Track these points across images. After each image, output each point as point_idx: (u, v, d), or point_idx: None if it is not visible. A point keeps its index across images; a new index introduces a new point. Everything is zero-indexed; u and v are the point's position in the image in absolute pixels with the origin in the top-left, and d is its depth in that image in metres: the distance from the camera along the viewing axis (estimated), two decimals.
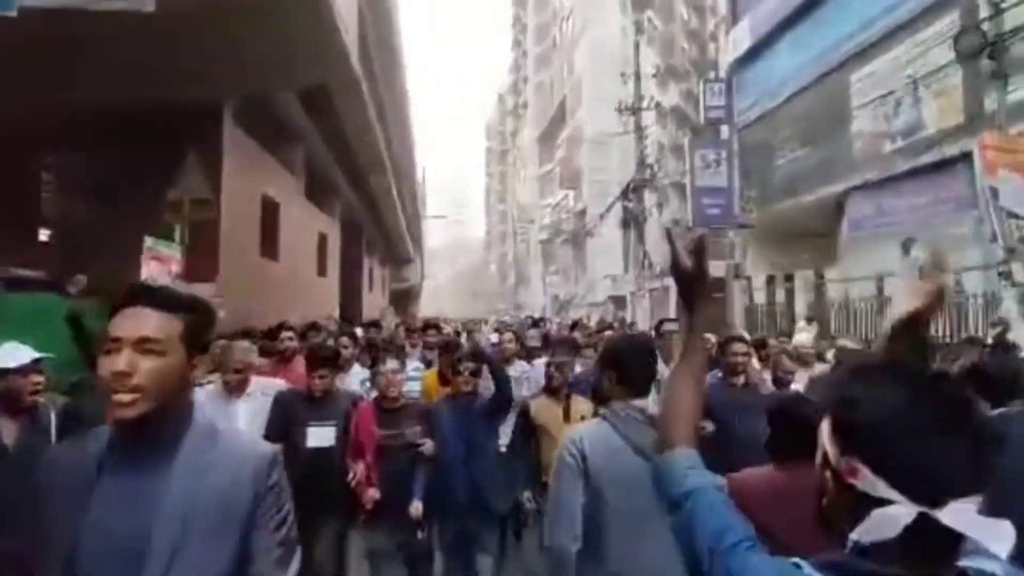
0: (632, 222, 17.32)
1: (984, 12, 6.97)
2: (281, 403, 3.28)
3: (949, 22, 9.82)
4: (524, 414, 3.52)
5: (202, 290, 9.39)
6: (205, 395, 3.30)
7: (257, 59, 7.68)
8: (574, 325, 8.22)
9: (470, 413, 3.42)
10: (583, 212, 35.31)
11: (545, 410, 3.52)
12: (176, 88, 8.03)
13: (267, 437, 3.06)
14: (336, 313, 16.27)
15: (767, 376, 4.12)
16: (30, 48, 6.58)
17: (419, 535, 3.25)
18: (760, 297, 16.26)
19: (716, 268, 18.86)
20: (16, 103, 7.48)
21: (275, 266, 12.26)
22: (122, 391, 1.11)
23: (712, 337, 5.07)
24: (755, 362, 4.62)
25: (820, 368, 4.85)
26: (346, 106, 11.44)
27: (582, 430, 2.05)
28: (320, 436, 3.24)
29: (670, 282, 20.36)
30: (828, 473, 0.81)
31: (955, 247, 9.97)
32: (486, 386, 4.04)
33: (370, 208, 21.97)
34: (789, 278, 14.87)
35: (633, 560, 1.87)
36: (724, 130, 20.36)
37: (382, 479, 3.23)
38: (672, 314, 17.88)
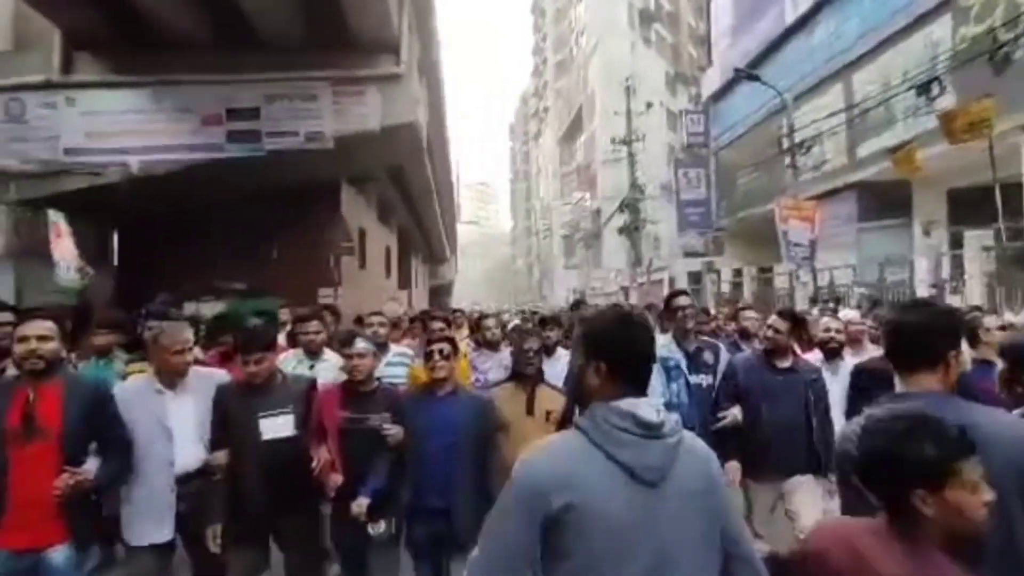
0: (627, 230, 22.05)
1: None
2: (220, 399, 2.92)
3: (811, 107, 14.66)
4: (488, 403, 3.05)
5: (325, 292, 14.61)
6: (133, 389, 2.91)
7: (369, 156, 12.78)
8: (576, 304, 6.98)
9: (453, 405, 2.94)
10: (598, 212, 39.72)
11: (508, 401, 3.07)
12: (318, 170, 13.11)
13: (214, 441, 2.87)
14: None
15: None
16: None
17: (371, 531, 2.87)
18: (726, 287, 20.87)
19: (694, 264, 23.57)
20: (213, 188, 12.58)
21: (364, 273, 17.45)
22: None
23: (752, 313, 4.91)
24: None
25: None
26: (411, 166, 16.60)
27: (541, 451, 1.30)
28: (275, 426, 2.88)
29: (657, 275, 25.04)
30: None
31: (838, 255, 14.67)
32: (486, 367, 4.03)
33: (417, 221, 27.21)
34: (738, 272, 19.50)
35: None
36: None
37: (345, 465, 2.91)
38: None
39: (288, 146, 10.79)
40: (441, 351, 2.98)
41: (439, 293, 48.05)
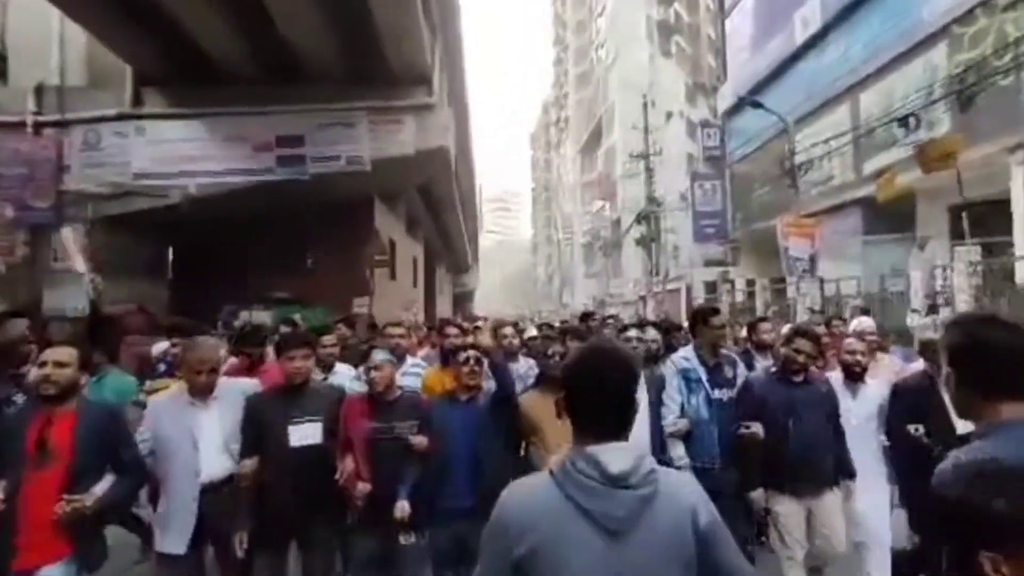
0: (644, 242, 22.89)
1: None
2: (252, 406, 2.97)
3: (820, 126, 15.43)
4: (515, 410, 3.14)
5: (360, 301, 15.73)
6: (166, 400, 3.02)
7: (401, 176, 13.89)
8: (586, 316, 6.76)
9: (475, 410, 3.05)
10: (618, 221, 40.44)
11: (536, 405, 3.11)
12: (354, 189, 14.25)
13: (244, 449, 2.89)
14: (421, 313, 22.55)
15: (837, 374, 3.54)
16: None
17: (402, 540, 2.88)
18: (740, 296, 21.57)
19: (710, 274, 24.27)
20: (259, 207, 13.78)
21: (394, 283, 18.58)
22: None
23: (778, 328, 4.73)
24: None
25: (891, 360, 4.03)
26: (438, 183, 17.73)
27: (515, 493, 1.32)
28: (304, 433, 2.92)
29: (674, 285, 25.78)
30: None
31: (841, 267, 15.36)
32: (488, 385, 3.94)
33: (442, 232, 28.40)
34: (751, 283, 20.23)
35: None
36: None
37: (373, 474, 2.91)
38: (678, 314, 23.33)
39: (330, 169, 11.92)
40: (472, 358, 3.10)
41: (462, 300, 49.24)
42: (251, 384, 3.24)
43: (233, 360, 4.13)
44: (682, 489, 1.33)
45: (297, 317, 7.66)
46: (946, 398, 2.45)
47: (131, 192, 11.77)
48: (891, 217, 15.34)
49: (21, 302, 11.00)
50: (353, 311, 14.73)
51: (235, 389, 3.09)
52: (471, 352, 3.13)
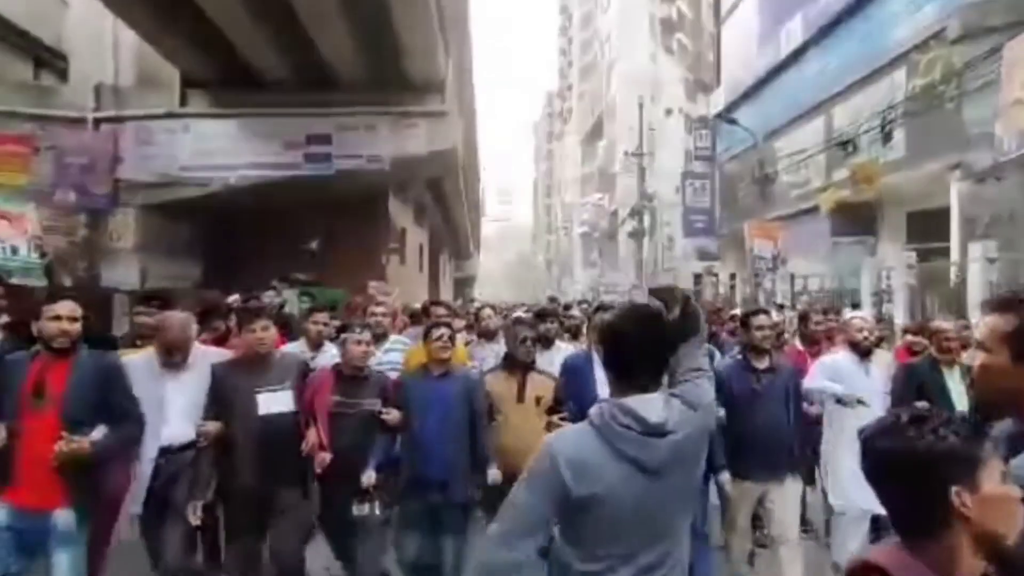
0: (636, 235, 24.46)
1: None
2: (218, 375, 2.98)
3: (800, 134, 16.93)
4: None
5: (377, 285, 17.31)
6: (139, 363, 2.99)
7: (414, 172, 15.47)
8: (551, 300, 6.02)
9: (448, 385, 3.11)
10: (615, 213, 41.86)
11: (499, 386, 3.22)
12: (371, 182, 15.77)
13: (206, 415, 2.93)
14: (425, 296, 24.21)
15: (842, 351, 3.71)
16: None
17: (355, 511, 2.98)
18: (723, 289, 23.19)
19: (698, 267, 25.86)
20: (286, 197, 15.29)
21: (403, 268, 20.20)
22: None
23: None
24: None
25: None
26: (445, 177, 19.34)
27: (564, 440, 1.52)
28: (273, 401, 2.94)
29: (664, 277, 27.36)
30: None
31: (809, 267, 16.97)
32: (482, 356, 4.18)
33: (446, 221, 29.96)
34: (733, 276, 21.81)
35: None
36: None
37: (334, 447, 2.99)
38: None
39: (352, 167, 13.48)
40: (444, 335, 3.21)
41: (463, 285, 50.88)
42: (227, 354, 3.32)
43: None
44: (696, 427, 1.54)
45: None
46: (949, 382, 3.35)
47: (176, 182, 13.34)
48: (858, 221, 16.90)
49: (81, 278, 12.66)
50: (369, 293, 16.40)
51: (210, 359, 3.15)
52: (444, 329, 3.27)
